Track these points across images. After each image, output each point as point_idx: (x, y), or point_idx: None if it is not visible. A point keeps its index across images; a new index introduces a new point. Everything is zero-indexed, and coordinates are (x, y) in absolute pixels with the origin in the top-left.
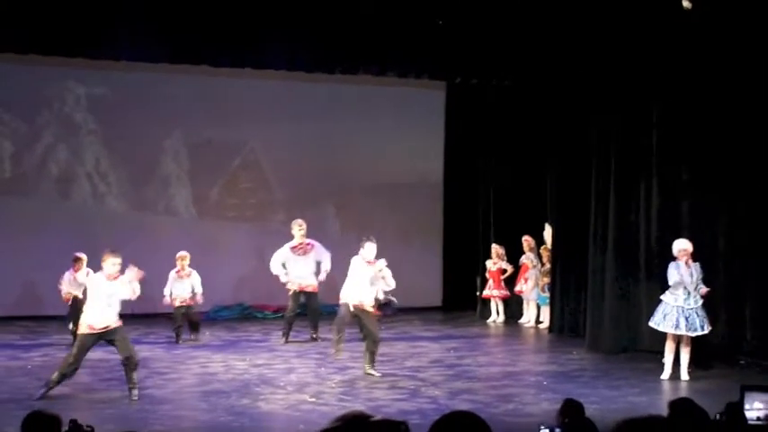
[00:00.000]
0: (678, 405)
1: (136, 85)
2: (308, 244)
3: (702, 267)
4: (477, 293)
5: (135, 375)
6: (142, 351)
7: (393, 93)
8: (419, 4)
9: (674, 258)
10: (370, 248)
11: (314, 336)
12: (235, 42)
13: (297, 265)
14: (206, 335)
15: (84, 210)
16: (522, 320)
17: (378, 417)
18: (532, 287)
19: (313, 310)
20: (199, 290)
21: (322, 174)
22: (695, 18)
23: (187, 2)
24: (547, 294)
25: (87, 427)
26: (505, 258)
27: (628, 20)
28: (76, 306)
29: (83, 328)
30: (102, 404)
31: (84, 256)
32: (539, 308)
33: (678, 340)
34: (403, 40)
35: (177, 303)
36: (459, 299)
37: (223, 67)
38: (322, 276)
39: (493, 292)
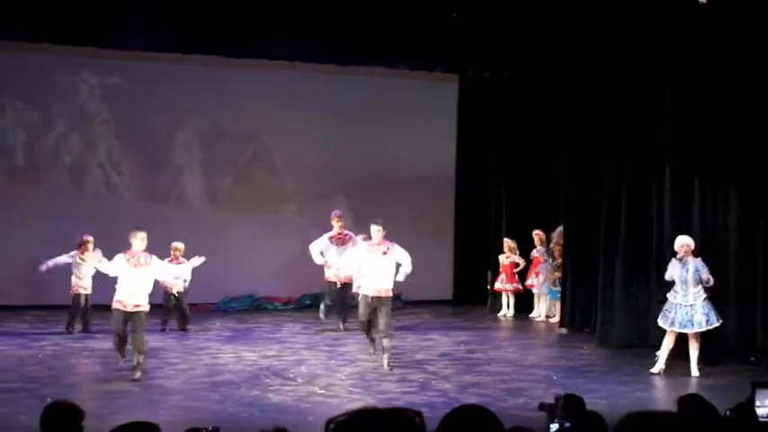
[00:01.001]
0: (687, 401)
1: (149, 76)
2: (346, 235)
3: (713, 265)
4: (489, 287)
5: (141, 358)
6: (152, 342)
7: (406, 86)
8: None
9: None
10: (374, 232)
11: (341, 327)
12: (247, 33)
13: (335, 255)
14: (216, 325)
15: (96, 199)
16: (532, 315)
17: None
18: (543, 281)
19: (343, 302)
20: (188, 277)
21: (334, 166)
22: (708, 12)
23: None
24: (558, 289)
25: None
26: (518, 252)
27: (640, 15)
28: (81, 304)
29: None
30: (112, 394)
31: (90, 238)
32: (548, 302)
33: (680, 337)
34: (415, 33)
35: (172, 291)
36: (470, 292)
37: (236, 58)
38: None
39: (506, 285)
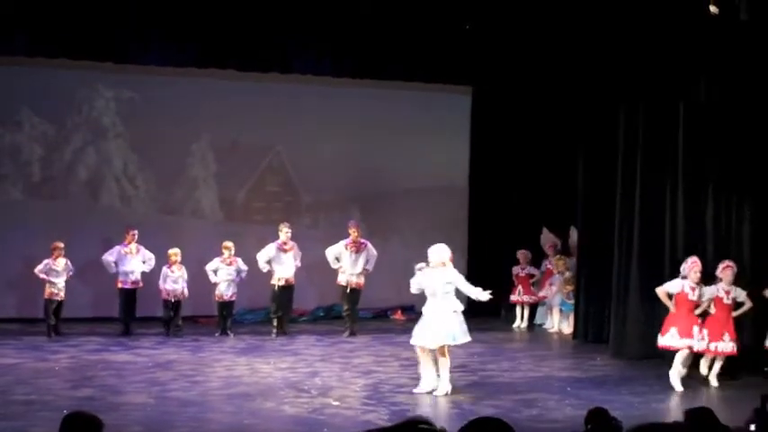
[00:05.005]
0: (694, 414)
1: (163, 89)
2: (361, 243)
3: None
4: (502, 298)
5: None
6: (168, 354)
7: (419, 97)
8: (445, 10)
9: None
10: (284, 233)
11: (351, 331)
12: (261, 47)
13: (349, 262)
14: (231, 337)
15: (111, 213)
16: (546, 326)
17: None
18: (555, 292)
19: (353, 307)
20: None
21: (348, 179)
22: (722, 18)
23: (214, 7)
24: (571, 302)
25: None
26: (532, 264)
27: (655, 21)
28: (56, 308)
29: None
30: (128, 406)
31: (61, 245)
32: (561, 313)
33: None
34: (429, 46)
35: (170, 297)
36: (484, 304)
37: (250, 71)
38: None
39: (523, 297)
